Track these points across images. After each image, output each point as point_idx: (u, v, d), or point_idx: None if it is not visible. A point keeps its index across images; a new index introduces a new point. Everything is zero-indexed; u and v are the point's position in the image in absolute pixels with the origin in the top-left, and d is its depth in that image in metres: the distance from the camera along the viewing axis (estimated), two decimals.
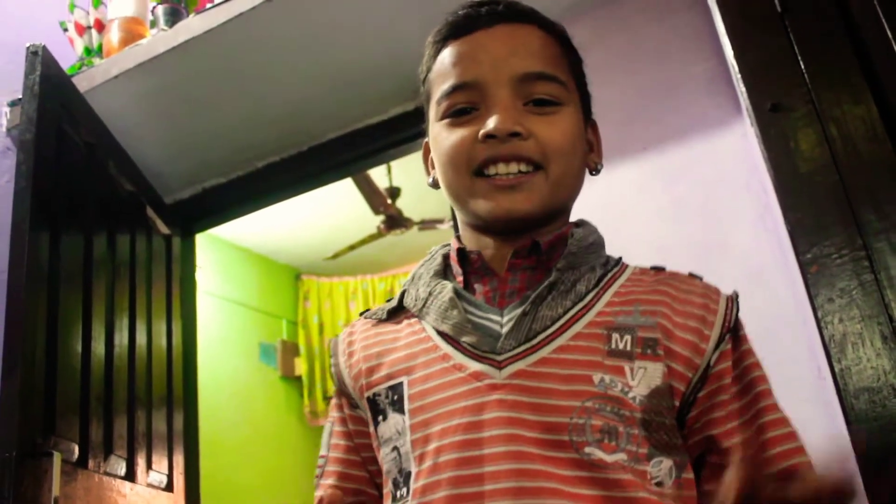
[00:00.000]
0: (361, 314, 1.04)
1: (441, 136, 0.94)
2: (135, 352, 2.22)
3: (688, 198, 1.95)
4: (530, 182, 0.89)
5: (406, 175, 4.51)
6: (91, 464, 1.87)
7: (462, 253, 0.96)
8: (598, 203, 1.07)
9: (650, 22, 2.09)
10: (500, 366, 0.84)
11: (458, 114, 0.92)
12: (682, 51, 2.06)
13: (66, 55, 2.49)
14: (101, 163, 2.24)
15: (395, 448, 0.88)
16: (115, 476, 1.99)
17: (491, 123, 0.88)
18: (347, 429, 0.99)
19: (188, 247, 2.88)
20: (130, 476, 2.08)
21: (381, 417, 0.91)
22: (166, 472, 2.32)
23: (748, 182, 1.86)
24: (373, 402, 0.93)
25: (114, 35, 2.45)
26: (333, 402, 1.02)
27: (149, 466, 2.20)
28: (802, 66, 1.39)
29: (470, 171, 0.90)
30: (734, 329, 0.89)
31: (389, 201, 4.64)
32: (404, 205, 4.71)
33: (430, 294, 0.94)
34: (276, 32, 2.19)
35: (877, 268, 1.23)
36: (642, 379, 0.83)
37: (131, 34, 2.43)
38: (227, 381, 4.56)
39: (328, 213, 4.86)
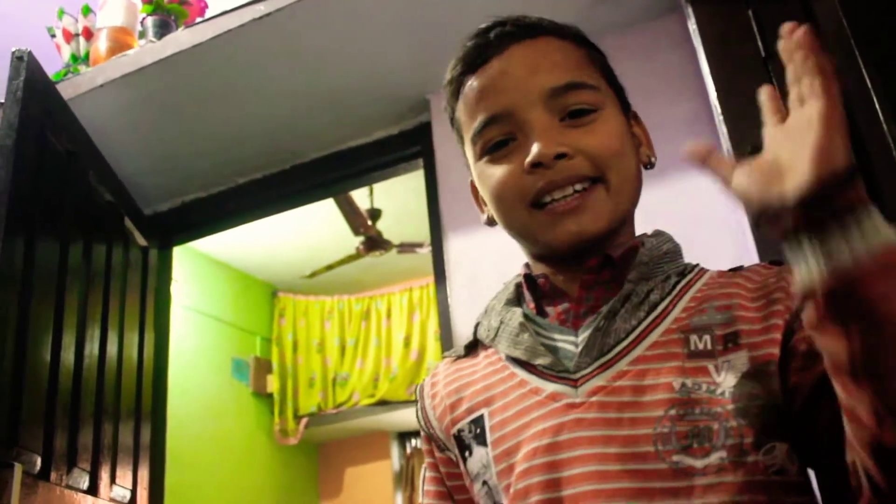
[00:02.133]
0: (443, 355, 1.03)
1: (485, 174, 0.90)
2: (105, 363, 2.19)
3: None
4: (592, 198, 0.85)
5: (387, 197, 4.52)
6: (53, 476, 1.84)
7: (530, 279, 0.93)
8: None
9: (635, 60, 2.11)
10: (576, 384, 0.82)
11: (496, 147, 0.89)
12: (666, 90, 2.08)
13: (53, 61, 2.48)
14: (82, 171, 2.22)
15: (485, 482, 0.86)
16: (78, 490, 1.96)
17: (534, 150, 0.84)
18: (439, 473, 0.97)
19: (165, 259, 2.86)
20: (93, 490, 2.05)
21: (467, 453, 0.89)
22: (130, 486, 2.29)
23: (727, 222, 1.87)
24: (459, 439, 0.91)
25: (101, 44, 2.44)
26: (424, 447, 1.01)
27: (112, 480, 2.17)
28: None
29: (525, 205, 0.86)
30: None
31: (370, 223, 4.64)
32: (384, 227, 4.71)
33: (501, 322, 0.92)
34: (263, 51, 2.19)
35: None
36: (728, 371, 0.78)
37: (119, 44, 2.42)
38: (197, 395, 4.52)
39: (308, 231, 4.85)
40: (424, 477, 1.00)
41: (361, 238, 4.73)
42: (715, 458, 0.74)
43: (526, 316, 0.90)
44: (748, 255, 1.75)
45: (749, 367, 0.78)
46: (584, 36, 0.96)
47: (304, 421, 5.55)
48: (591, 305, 0.87)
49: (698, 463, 0.75)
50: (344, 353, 5.85)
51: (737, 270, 0.89)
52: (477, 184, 0.95)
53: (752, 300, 0.82)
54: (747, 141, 1.43)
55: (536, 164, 0.84)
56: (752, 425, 0.75)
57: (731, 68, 1.50)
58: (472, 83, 0.92)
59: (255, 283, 5.64)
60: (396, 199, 4.50)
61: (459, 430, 0.91)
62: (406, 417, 5.54)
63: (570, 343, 0.86)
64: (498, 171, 0.88)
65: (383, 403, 5.53)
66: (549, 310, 0.91)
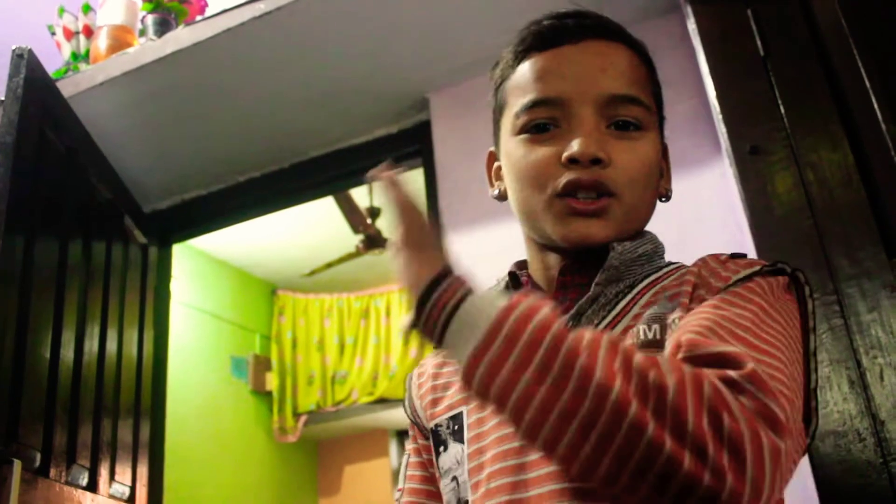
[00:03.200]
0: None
1: (518, 152, 0.90)
2: (104, 360, 2.19)
3: (665, 235, 1.95)
4: (609, 209, 0.86)
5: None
6: (52, 472, 1.84)
7: (515, 277, 0.95)
8: None
9: None
10: None
11: (536, 130, 0.89)
12: (665, 89, 2.06)
13: (53, 59, 2.48)
14: (81, 169, 2.22)
15: (455, 478, 0.88)
16: (77, 486, 1.96)
17: (576, 147, 0.85)
18: (422, 459, 0.99)
19: (164, 257, 2.86)
20: (92, 486, 2.05)
21: (442, 448, 0.91)
22: (129, 483, 2.29)
23: (725, 222, 1.88)
24: (435, 434, 0.93)
25: (102, 42, 2.44)
26: (410, 433, 1.03)
27: (112, 477, 2.17)
28: (782, 111, 1.42)
29: (548, 193, 0.87)
30: (741, 280, 0.80)
31: (369, 221, 4.64)
32: (384, 225, 4.71)
33: None
34: (263, 49, 2.19)
35: (847, 313, 1.25)
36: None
37: (119, 42, 2.42)
38: (196, 392, 4.52)
39: (307, 229, 4.85)
40: (407, 463, 1.01)
41: (361, 236, 4.72)
42: None
43: None
44: (746, 253, 1.76)
45: None
46: (649, 56, 0.98)
47: (303, 419, 5.55)
48: (565, 307, 0.88)
49: None
50: (343, 351, 5.85)
51: (696, 262, 0.90)
52: (503, 158, 0.95)
53: (698, 287, 0.82)
54: (746, 140, 1.43)
55: (573, 161, 0.85)
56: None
57: (730, 67, 1.51)
58: (536, 60, 0.91)
59: (255, 281, 5.64)
60: None
61: (437, 426, 0.93)
62: (405, 416, 5.54)
63: None
64: (532, 153, 0.89)
65: (382, 401, 5.53)
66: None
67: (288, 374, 5.64)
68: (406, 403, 1.03)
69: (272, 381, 5.47)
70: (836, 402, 1.21)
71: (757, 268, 0.81)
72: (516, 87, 0.93)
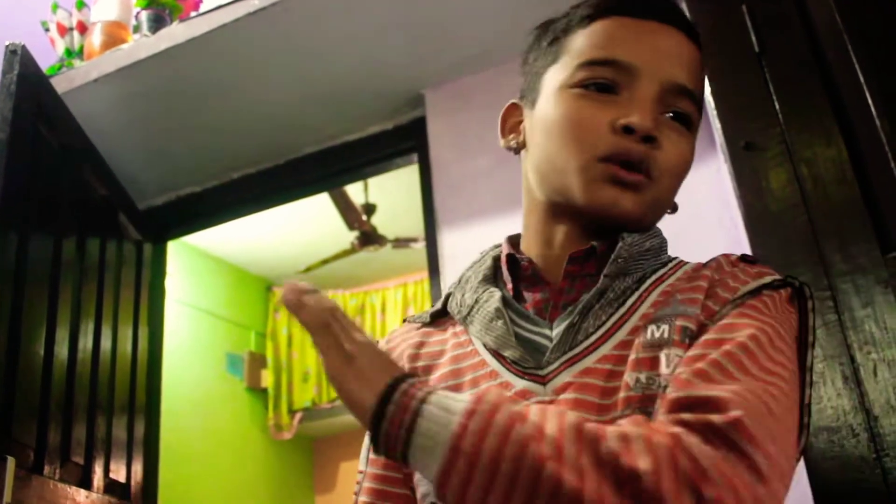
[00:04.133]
0: (404, 320, 1.02)
1: (569, 104, 0.87)
2: (99, 357, 2.19)
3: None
4: (646, 188, 0.85)
5: (382, 192, 4.52)
6: (47, 470, 1.84)
7: (513, 259, 0.92)
8: None
9: None
10: (543, 381, 0.81)
11: (596, 88, 0.87)
12: None
13: (47, 55, 2.47)
14: (76, 166, 2.22)
15: None
16: (71, 483, 1.96)
17: (636, 118, 0.83)
18: None
19: (159, 254, 2.85)
20: (87, 483, 2.05)
21: None
22: (124, 480, 2.29)
23: (719, 218, 1.88)
24: None
25: (96, 38, 2.44)
26: None
27: (106, 474, 2.17)
28: (777, 107, 1.42)
29: (591, 155, 0.84)
30: (751, 294, 0.80)
31: (364, 218, 4.64)
32: (379, 222, 4.71)
33: (476, 301, 0.91)
34: (258, 45, 2.19)
35: (840, 308, 1.25)
36: (676, 366, 0.75)
37: (113, 38, 2.41)
38: (191, 390, 4.51)
39: (302, 226, 4.84)
40: (368, 444, 0.97)
41: (356, 233, 4.72)
42: None
43: (504, 301, 0.89)
44: (740, 250, 1.75)
45: None
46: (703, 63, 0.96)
47: (299, 416, 5.55)
48: (572, 297, 0.86)
49: None
50: None
51: (709, 263, 0.88)
52: (542, 107, 0.91)
53: (710, 297, 0.81)
54: (740, 136, 1.43)
55: (628, 130, 0.83)
56: None
57: (725, 63, 1.50)
58: (622, 21, 0.89)
59: (250, 278, 5.63)
60: (391, 194, 4.50)
61: None
62: None
63: (544, 337, 0.85)
64: (585, 109, 0.86)
65: None
66: (528, 295, 0.89)
67: (283, 371, 5.64)
68: None
69: (267, 378, 5.47)
70: (830, 398, 1.21)
71: (767, 280, 0.81)
72: (588, 39, 0.90)
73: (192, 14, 2.22)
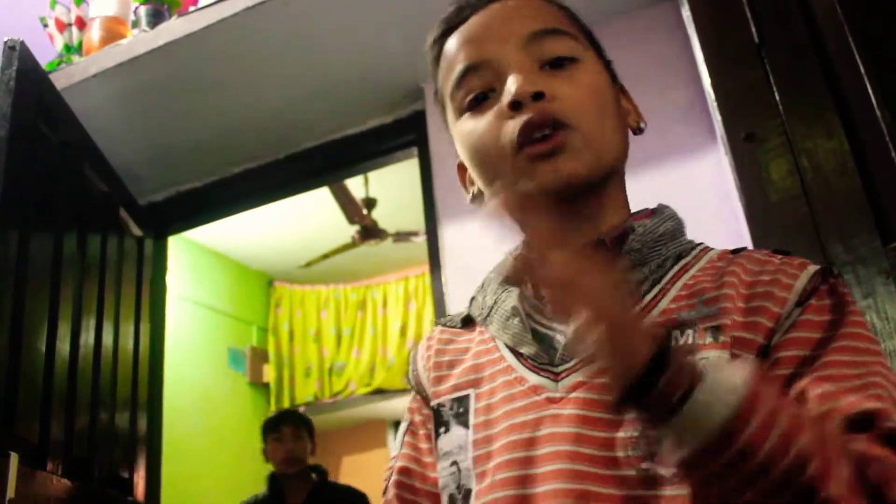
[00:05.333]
0: (436, 323, 1.00)
1: (465, 130, 0.86)
2: (100, 353, 2.19)
3: None
4: (568, 139, 0.80)
5: (383, 186, 4.52)
6: (49, 465, 1.84)
7: None
8: None
9: (629, 47, 2.11)
10: (557, 378, 0.78)
11: (476, 102, 0.85)
12: (661, 77, 2.08)
13: (46, 51, 2.47)
14: (76, 161, 2.22)
15: (455, 463, 0.84)
16: (74, 478, 1.96)
17: (512, 87, 0.80)
18: (427, 429, 0.92)
19: (160, 249, 2.85)
20: (89, 479, 2.05)
21: (443, 430, 0.87)
22: (126, 475, 2.29)
23: (720, 209, 1.88)
24: (437, 413, 0.88)
25: (95, 33, 2.43)
26: (411, 405, 0.97)
27: (109, 469, 2.17)
28: (777, 98, 1.41)
29: (505, 153, 0.81)
30: (816, 294, 0.75)
31: (365, 212, 4.64)
32: (380, 216, 4.71)
33: (495, 302, 0.89)
34: (257, 40, 2.18)
35: None
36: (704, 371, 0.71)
37: (112, 33, 2.41)
38: (193, 385, 4.52)
39: (303, 220, 4.85)
40: (406, 430, 0.95)
41: (357, 227, 4.72)
42: None
43: (521, 298, 0.86)
44: (741, 241, 1.75)
45: None
46: (568, 8, 0.92)
47: (301, 410, 5.56)
48: None
49: (666, 471, 0.70)
50: (340, 342, 5.86)
51: (739, 252, 0.84)
52: (458, 147, 0.91)
53: (743, 297, 0.77)
54: (741, 127, 1.43)
55: (515, 105, 0.80)
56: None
57: (725, 55, 1.50)
58: (451, 40, 0.89)
59: (251, 273, 5.63)
60: (391, 187, 4.50)
61: (440, 405, 0.88)
62: (403, 406, 5.53)
63: (559, 332, 0.82)
64: (477, 124, 0.84)
65: (380, 392, 5.54)
66: (546, 293, 0.87)
67: (285, 366, 5.65)
68: (411, 376, 0.96)
69: (269, 373, 5.48)
70: None
71: (815, 269, 0.78)
72: (445, 73, 0.89)
73: (191, 9, 2.21)
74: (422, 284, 5.63)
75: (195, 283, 4.80)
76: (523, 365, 0.82)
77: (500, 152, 0.82)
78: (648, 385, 0.58)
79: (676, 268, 0.82)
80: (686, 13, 1.67)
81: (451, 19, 0.91)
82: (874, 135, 1.31)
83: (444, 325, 0.97)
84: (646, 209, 0.89)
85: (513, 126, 0.80)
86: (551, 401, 0.77)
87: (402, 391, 5.41)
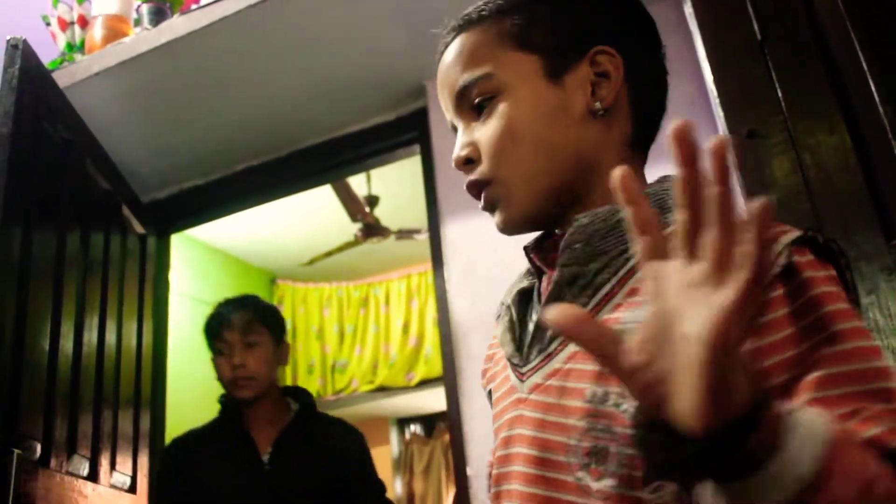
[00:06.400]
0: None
1: None
2: (104, 351, 2.20)
3: None
4: (491, 196, 0.84)
5: (385, 184, 4.52)
6: (53, 463, 1.85)
7: (527, 251, 0.90)
8: None
9: None
10: (522, 378, 0.79)
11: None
12: None
13: (48, 50, 2.47)
14: (79, 160, 2.22)
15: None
16: (78, 476, 1.97)
17: (454, 154, 0.87)
18: None
19: (163, 247, 2.86)
20: (93, 476, 2.05)
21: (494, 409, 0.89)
22: (130, 473, 2.30)
23: None
24: (489, 396, 0.91)
25: (97, 32, 2.44)
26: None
27: (112, 467, 2.18)
28: (780, 95, 1.41)
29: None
30: (787, 276, 0.65)
31: (367, 209, 4.64)
32: (382, 213, 4.71)
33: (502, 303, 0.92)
34: (259, 38, 2.19)
35: None
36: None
37: (114, 32, 2.41)
38: (196, 382, 4.51)
39: (306, 218, 4.85)
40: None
41: (359, 225, 4.72)
42: (605, 483, 0.68)
43: (520, 293, 0.88)
44: None
45: None
46: (512, 2, 0.88)
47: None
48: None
49: (594, 484, 0.68)
50: (343, 339, 5.86)
51: None
52: None
53: None
54: (743, 124, 1.43)
55: (460, 168, 0.86)
56: (644, 458, 0.57)
57: (728, 52, 1.50)
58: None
59: (254, 271, 5.64)
60: (394, 185, 4.50)
61: (489, 391, 0.91)
62: (405, 403, 5.56)
63: (530, 324, 0.84)
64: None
65: (382, 390, 5.54)
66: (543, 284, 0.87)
67: (288, 363, 5.65)
68: (483, 368, 0.97)
69: None
70: None
71: (787, 241, 0.67)
72: None
73: (193, 7, 2.21)
74: (424, 282, 5.63)
75: (198, 281, 4.81)
76: (509, 363, 0.84)
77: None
78: (732, 446, 0.48)
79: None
80: (688, 10, 1.67)
81: (436, 63, 0.93)
82: (877, 131, 1.31)
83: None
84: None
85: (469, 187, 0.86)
86: (520, 401, 0.79)
87: (405, 388, 5.42)
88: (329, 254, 5.11)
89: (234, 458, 2.07)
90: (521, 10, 0.87)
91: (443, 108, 0.91)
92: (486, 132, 0.83)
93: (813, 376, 0.61)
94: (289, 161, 2.73)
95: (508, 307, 0.87)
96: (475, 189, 0.85)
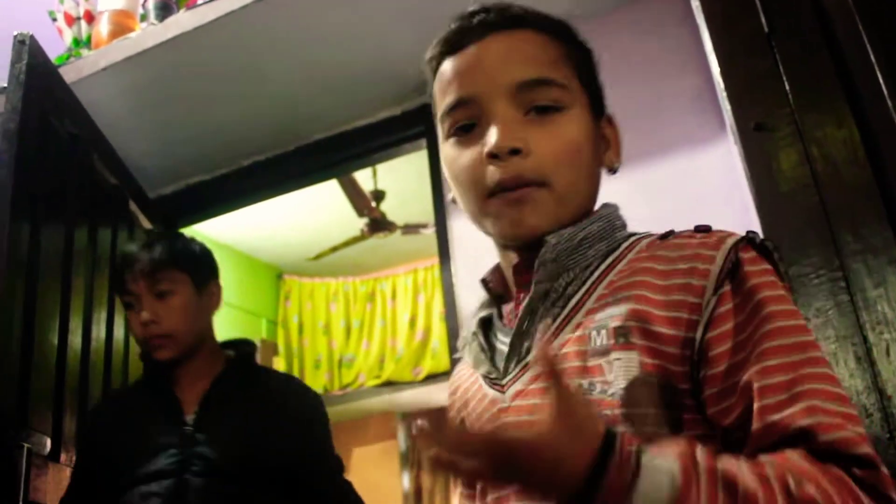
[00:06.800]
0: (455, 359, 1.10)
1: (450, 156, 0.91)
2: (112, 346, 2.20)
3: (670, 213, 1.94)
4: (535, 195, 0.85)
5: (391, 178, 4.52)
6: (63, 457, 1.86)
7: (485, 283, 0.98)
8: None
9: (638, 37, 2.11)
10: (503, 390, 0.86)
11: (461, 130, 0.90)
12: (669, 67, 2.07)
13: (55, 45, 2.47)
14: (86, 155, 2.22)
15: None
16: None
17: (491, 140, 0.85)
18: None
19: None
20: None
21: None
22: None
23: (730, 199, 1.87)
24: None
25: (103, 27, 2.44)
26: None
27: None
28: (787, 87, 1.41)
29: (480, 193, 0.87)
30: (734, 279, 0.77)
31: (374, 204, 4.64)
32: (388, 208, 4.71)
33: (469, 331, 0.97)
34: (265, 32, 2.19)
35: (853, 289, 1.25)
36: (619, 371, 0.76)
37: (121, 27, 2.42)
38: None
39: (312, 213, 4.85)
40: None
41: (366, 220, 4.73)
42: None
43: (483, 321, 0.95)
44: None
45: (638, 373, 0.76)
46: (569, 31, 0.96)
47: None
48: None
49: None
50: (349, 334, 5.87)
51: (666, 238, 0.86)
52: (443, 164, 0.96)
53: (660, 289, 0.79)
54: (751, 117, 1.43)
55: (493, 155, 0.85)
56: (636, 434, 0.69)
57: (735, 44, 1.50)
58: (448, 64, 0.93)
59: (261, 266, 5.65)
60: (400, 180, 4.50)
61: (461, 421, 0.98)
62: (412, 398, 5.56)
63: (503, 344, 0.89)
64: (461, 158, 0.89)
65: (389, 384, 5.55)
66: (504, 310, 0.95)
67: (295, 359, 5.67)
68: (449, 400, 1.05)
69: (279, 366, 5.50)
70: (843, 378, 1.21)
71: (731, 243, 0.79)
72: (439, 94, 0.94)
73: (199, 2, 2.21)
74: (431, 276, 5.63)
75: None
76: (485, 382, 0.91)
77: (474, 191, 0.88)
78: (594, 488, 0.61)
79: (603, 266, 0.86)
80: (695, 3, 1.66)
81: (452, 42, 0.94)
82: (885, 123, 1.31)
83: (457, 359, 1.06)
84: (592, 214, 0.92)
85: (489, 174, 0.86)
86: (503, 411, 0.85)
87: (411, 383, 5.42)
88: (335, 249, 5.12)
89: (154, 420, 1.71)
90: (577, 46, 0.95)
91: (471, 73, 0.90)
92: (551, 143, 0.86)
93: (757, 367, 0.72)
94: (295, 156, 2.73)
95: (475, 334, 0.94)
96: (517, 182, 0.85)
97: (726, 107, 1.49)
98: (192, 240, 1.89)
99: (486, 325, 0.96)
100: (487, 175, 0.86)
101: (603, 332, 0.79)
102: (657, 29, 2.12)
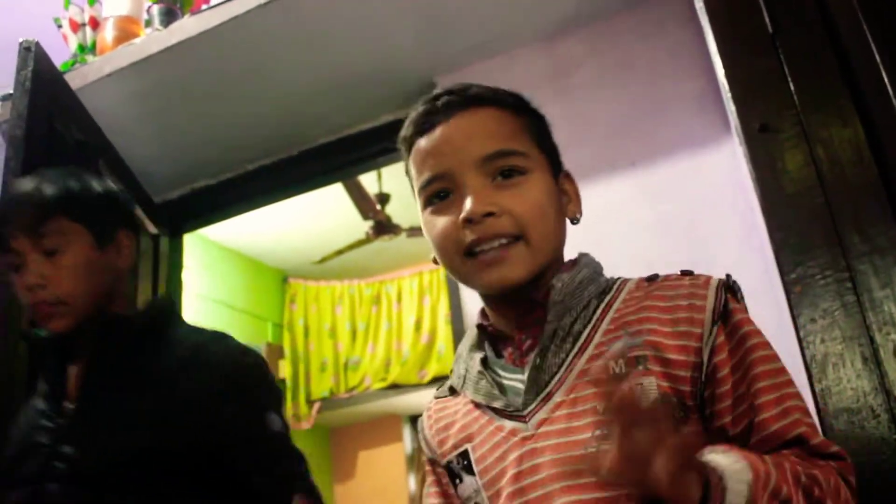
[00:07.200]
0: (434, 396, 1.17)
1: (429, 223, 1.03)
2: None
3: (675, 215, 1.95)
4: (512, 252, 0.96)
5: (396, 181, 4.52)
6: None
7: (482, 328, 1.07)
8: (585, 217, 1.08)
9: (642, 39, 2.11)
10: (525, 420, 0.94)
11: (437, 198, 1.01)
12: (674, 69, 2.07)
13: (60, 52, 2.48)
14: (91, 160, 2.23)
15: (476, 503, 0.99)
16: None
17: (466, 207, 0.96)
18: (441, 487, 1.09)
19: (175, 247, 2.87)
20: None
21: (458, 480, 1.03)
22: None
23: (735, 201, 1.87)
24: (449, 469, 1.05)
25: (108, 33, 2.45)
26: (427, 467, 1.13)
27: None
28: (792, 88, 1.41)
29: (459, 254, 0.98)
30: (724, 315, 0.92)
31: (379, 207, 4.65)
32: (393, 211, 4.72)
33: (467, 370, 1.06)
34: (269, 37, 2.19)
35: (859, 290, 1.24)
36: (641, 395, 0.83)
37: (126, 33, 2.42)
38: None
39: (317, 216, 4.86)
40: (427, 492, 1.11)
41: (371, 223, 4.73)
42: None
43: (484, 361, 1.03)
44: (756, 233, 1.75)
45: (657, 395, 0.88)
46: (524, 104, 1.08)
47: (317, 405, 5.58)
48: (531, 344, 0.99)
49: None
50: (355, 337, 5.87)
51: (653, 280, 1.00)
52: (423, 229, 1.07)
53: (667, 322, 0.92)
54: (755, 118, 1.42)
55: (468, 220, 0.96)
56: None
57: (739, 45, 1.50)
58: (420, 144, 1.05)
59: (266, 270, 5.65)
60: (405, 182, 4.47)
61: (449, 462, 1.04)
62: (418, 401, 5.56)
63: (519, 381, 0.98)
64: (438, 222, 1.01)
65: (395, 387, 5.55)
66: (504, 351, 1.04)
67: (301, 362, 5.67)
68: (422, 441, 1.13)
69: (285, 369, 5.50)
70: (850, 379, 1.21)
71: (717, 283, 0.95)
72: (414, 171, 1.06)
73: (203, 7, 2.22)
74: (436, 279, 5.63)
75: (211, 281, 4.83)
76: (498, 415, 0.98)
77: (454, 253, 0.99)
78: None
79: (602, 305, 0.99)
80: (699, 3, 1.66)
81: (421, 123, 1.06)
82: (890, 123, 1.31)
83: (437, 396, 1.14)
84: (568, 261, 1.04)
85: (465, 236, 0.97)
86: (526, 439, 0.93)
87: (417, 386, 5.42)
88: (341, 252, 5.12)
89: (39, 410, 1.38)
90: (532, 115, 1.08)
91: (442, 151, 1.01)
92: (520, 202, 0.97)
93: (753, 388, 0.88)
94: (300, 160, 2.73)
95: (481, 372, 1.02)
96: (495, 236, 0.96)
97: (731, 108, 1.49)
98: (93, 179, 1.48)
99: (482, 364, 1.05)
100: (464, 237, 0.97)
101: (621, 361, 0.91)
102: (660, 31, 2.12)
